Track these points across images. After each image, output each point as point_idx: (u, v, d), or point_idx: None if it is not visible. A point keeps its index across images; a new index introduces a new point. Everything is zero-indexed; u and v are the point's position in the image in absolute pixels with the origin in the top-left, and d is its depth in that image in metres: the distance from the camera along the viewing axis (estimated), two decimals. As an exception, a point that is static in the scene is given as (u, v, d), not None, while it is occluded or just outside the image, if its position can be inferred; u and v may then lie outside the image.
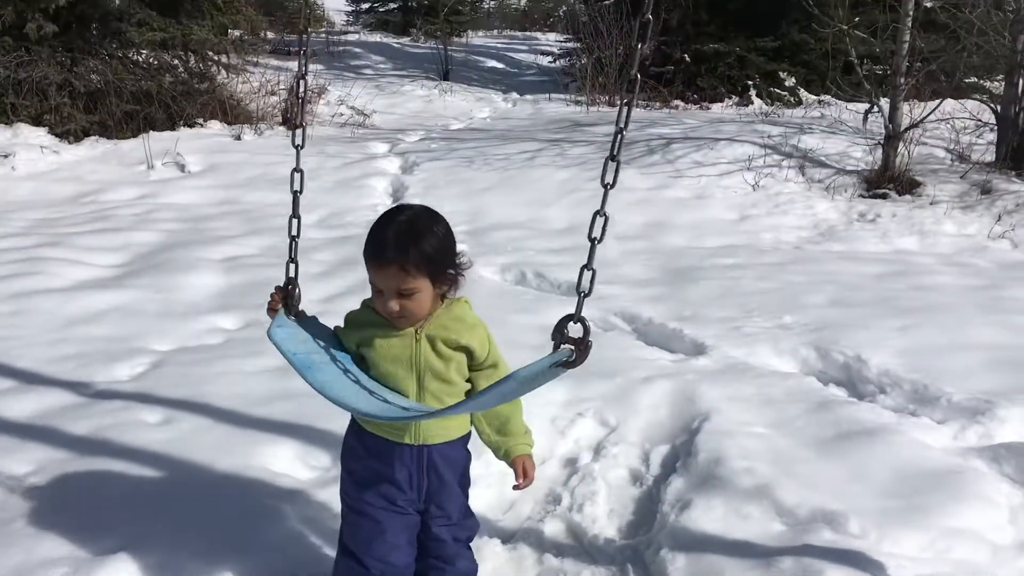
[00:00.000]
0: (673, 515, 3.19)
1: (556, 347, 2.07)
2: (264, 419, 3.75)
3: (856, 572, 2.75)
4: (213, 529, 2.91)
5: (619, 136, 2.08)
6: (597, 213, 2.11)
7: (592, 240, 2.10)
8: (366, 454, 2.41)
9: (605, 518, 3.35)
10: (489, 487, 3.44)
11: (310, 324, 2.44)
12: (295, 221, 2.49)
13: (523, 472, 2.55)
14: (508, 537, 3.22)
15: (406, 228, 2.22)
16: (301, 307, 2.45)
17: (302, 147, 2.52)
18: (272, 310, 2.39)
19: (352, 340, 2.38)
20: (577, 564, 3.05)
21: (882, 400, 4.22)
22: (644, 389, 4.20)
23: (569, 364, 2.07)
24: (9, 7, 9.57)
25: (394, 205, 2.40)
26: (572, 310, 5.79)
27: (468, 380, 2.41)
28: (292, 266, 2.46)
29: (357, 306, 2.42)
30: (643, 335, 5.08)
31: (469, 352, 2.37)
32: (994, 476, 3.46)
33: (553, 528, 3.26)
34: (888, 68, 10.57)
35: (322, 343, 2.38)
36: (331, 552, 2.93)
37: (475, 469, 3.40)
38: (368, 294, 2.33)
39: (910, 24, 8.92)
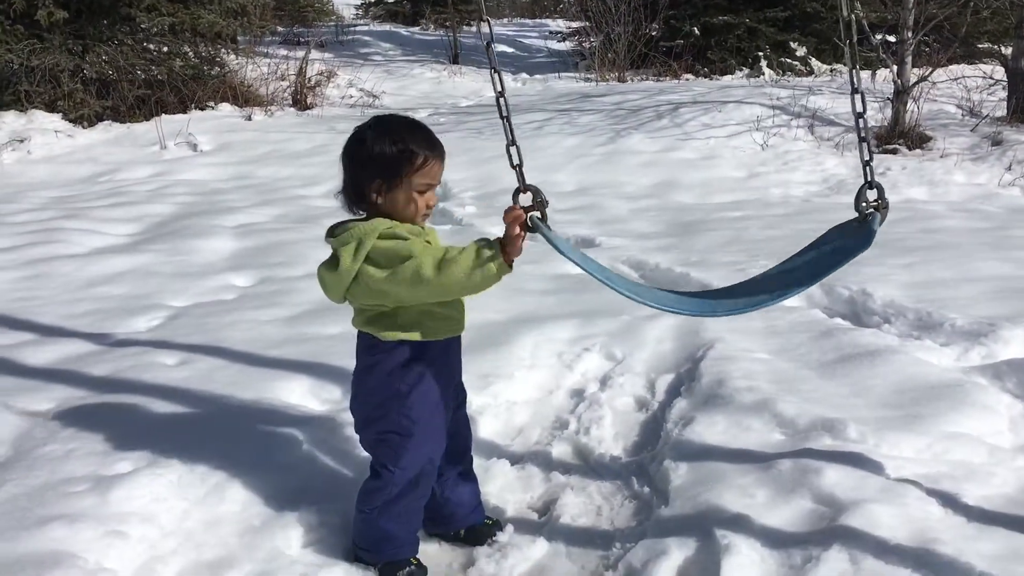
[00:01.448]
0: (676, 431, 3.25)
1: (861, 214, 2.39)
2: (278, 359, 3.85)
3: (854, 471, 2.79)
4: (228, 451, 2.99)
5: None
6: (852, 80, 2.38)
7: (856, 91, 2.37)
8: (434, 358, 2.44)
9: (611, 440, 3.41)
10: (496, 416, 3.52)
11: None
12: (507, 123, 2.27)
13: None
14: (516, 460, 3.28)
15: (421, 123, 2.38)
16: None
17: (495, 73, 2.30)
18: (520, 221, 2.14)
19: None
20: (583, 480, 3.11)
21: (887, 329, 4.25)
22: (650, 325, 4.26)
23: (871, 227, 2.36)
24: (19, -6, 9.71)
25: (372, 118, 2.41)
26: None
27: None
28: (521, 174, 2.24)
29: None
30: (651, 280, 5.14)
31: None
32: (995, 389, 3.49)
33: (560, 450, 3.32)
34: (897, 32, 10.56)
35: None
36: (343, 470, 3.03)
37: (481, 399, 3.52)
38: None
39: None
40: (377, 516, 2.49)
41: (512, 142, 2.28)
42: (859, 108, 2.39)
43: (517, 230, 2.14)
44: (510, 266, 2.17)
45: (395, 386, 2.42)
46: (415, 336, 2.38)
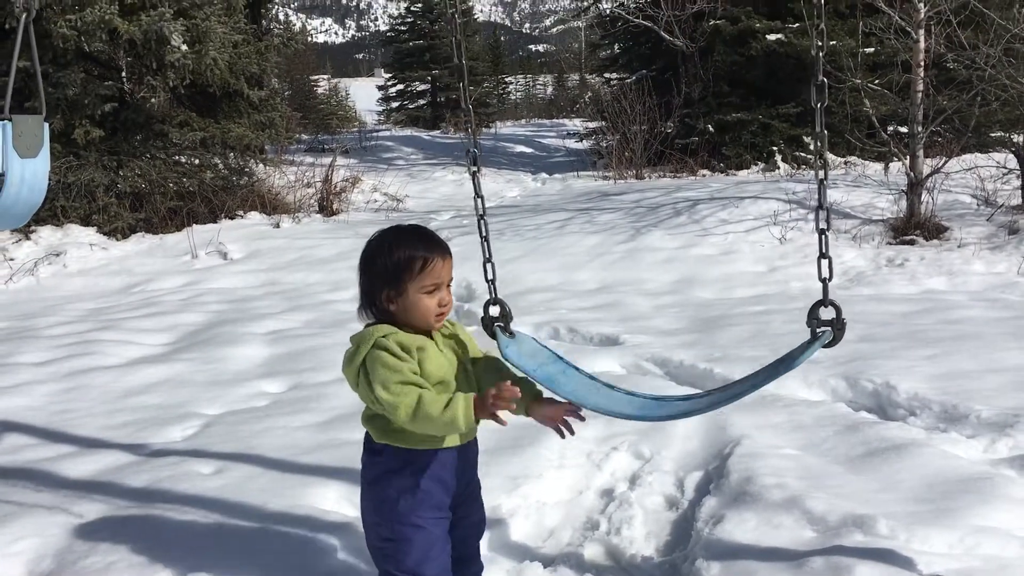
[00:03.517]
0: (707, 530, 3.27)
1: (813, 332, 2.35)
2: (311, 465, 3.91)
3: (886, 567, 2.80)
4: (266, 560, 3.05)
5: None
6: (821, 181, 2.51)
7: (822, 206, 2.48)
8: (425, 466, 2.42)
9: (643, 540, 3.43)
10: (527, 518, 3.55)
11: (525, 340, 2.72)
12: (486, 244, 2.92)
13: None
14: (549, 562, 3.30)
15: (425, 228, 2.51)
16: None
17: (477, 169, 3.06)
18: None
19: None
20: (616, 581, 3.13)
21: (912, 421, 4.28)
22: (677, 422, 4.29)
23: (829, 344, 2.36)
24: (57, 115, 10.13)
25: (381, 231, 2.50)
26: (607, 359, 5.97)
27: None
28: (494, 288, 2.82)
29: None
30: (675, 376, 5.20)
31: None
32: (1025, 481, 3.50)
33: (592, 551, 3.34)
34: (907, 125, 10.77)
35: (548, 356, 2.65)
36: (379, 577, 3.06)
37: (512, 501, 3.56)
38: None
39: (922, 73, 9.13)
40: None
41: (488, 259, 2.83)
42: (823, 225, 2.46)
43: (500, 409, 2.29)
44: (477, 422, 2.34)
45: (386, 491, 2.42)
46: (401, 443, 2.40)
